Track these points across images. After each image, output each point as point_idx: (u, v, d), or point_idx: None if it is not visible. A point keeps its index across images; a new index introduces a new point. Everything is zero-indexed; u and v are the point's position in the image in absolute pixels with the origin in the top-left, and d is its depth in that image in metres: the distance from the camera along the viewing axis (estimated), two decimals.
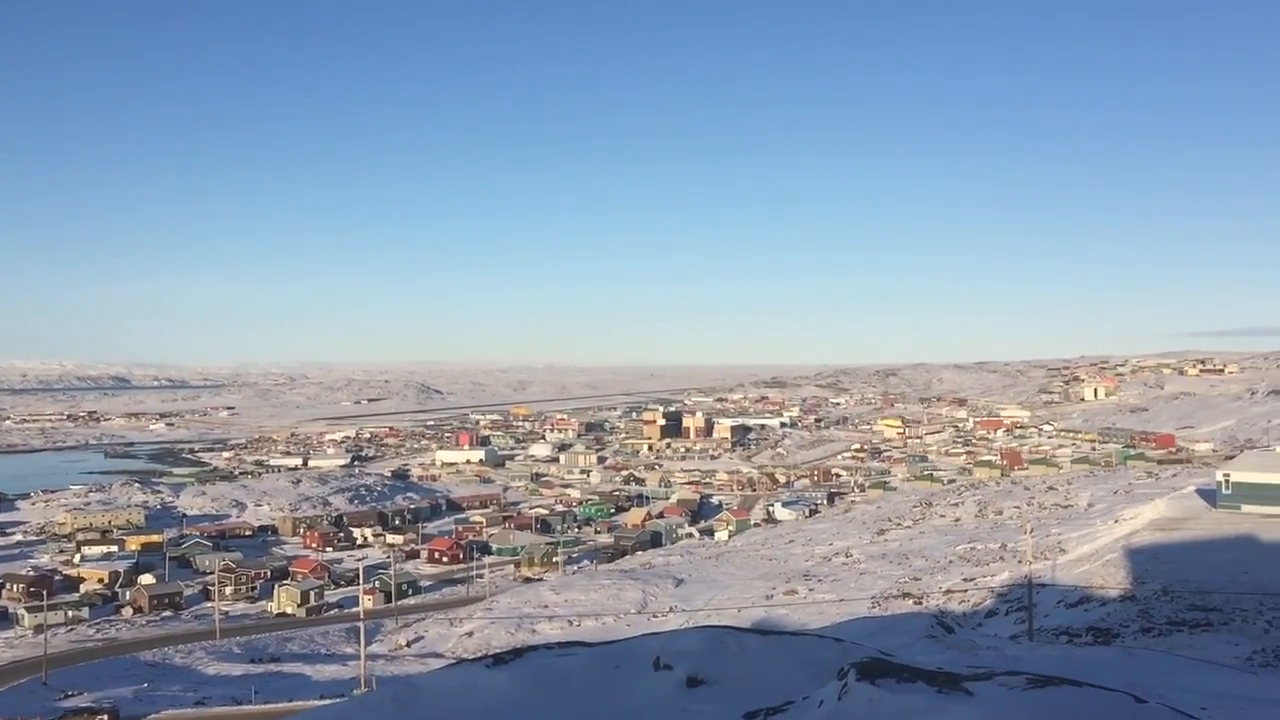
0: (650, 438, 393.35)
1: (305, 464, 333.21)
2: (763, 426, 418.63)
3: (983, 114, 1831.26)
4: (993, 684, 16.10)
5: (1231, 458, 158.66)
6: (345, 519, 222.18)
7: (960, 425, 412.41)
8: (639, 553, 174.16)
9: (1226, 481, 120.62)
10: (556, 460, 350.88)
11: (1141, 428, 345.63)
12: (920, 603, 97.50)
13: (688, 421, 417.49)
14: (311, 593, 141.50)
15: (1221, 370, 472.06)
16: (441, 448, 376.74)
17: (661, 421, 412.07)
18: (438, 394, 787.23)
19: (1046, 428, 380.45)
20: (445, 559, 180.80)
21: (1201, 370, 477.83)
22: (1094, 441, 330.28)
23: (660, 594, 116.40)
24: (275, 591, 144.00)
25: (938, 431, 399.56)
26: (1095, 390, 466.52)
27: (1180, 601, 79.59)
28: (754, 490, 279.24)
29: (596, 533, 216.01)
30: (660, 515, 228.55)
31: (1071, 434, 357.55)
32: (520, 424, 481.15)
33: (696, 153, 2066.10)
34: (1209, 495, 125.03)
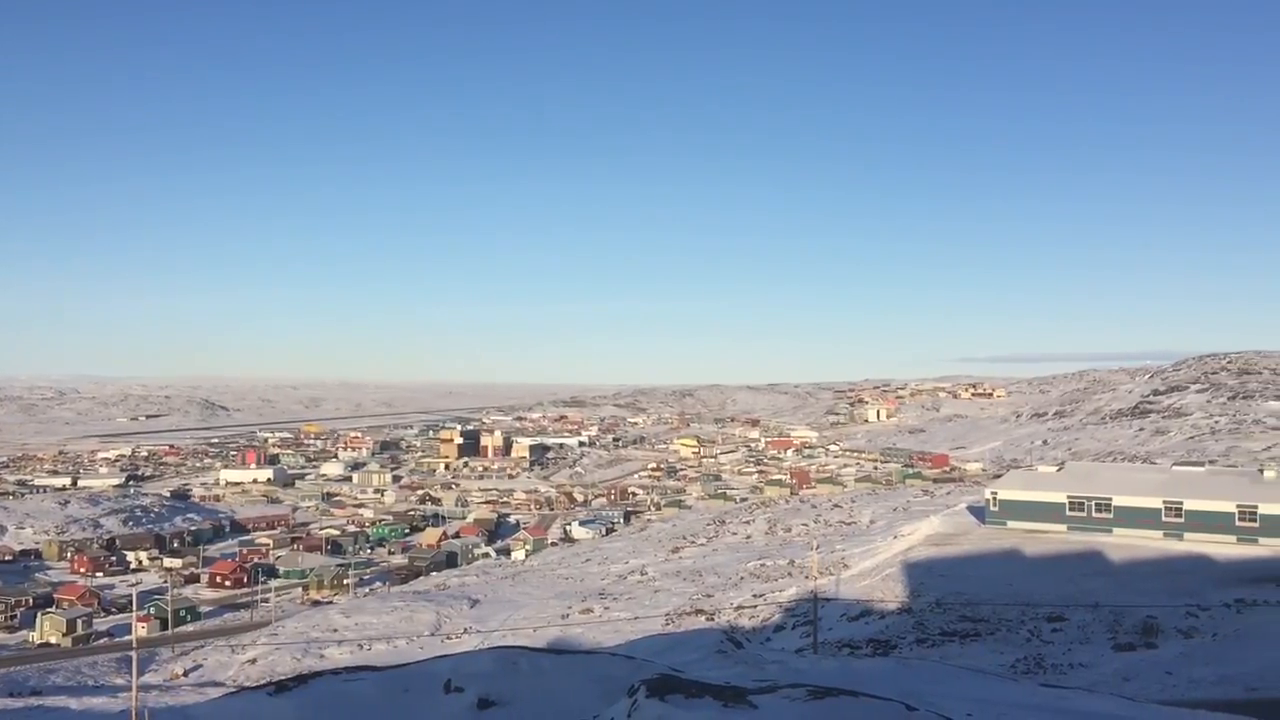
0: (447, 456, 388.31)
1: (74, 484, 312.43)
2: (561, 446, 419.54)
3: (766, 141, 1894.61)
4: (776, 697, 16.58)
5: (998, 476, 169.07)
6: (119, 542, 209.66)
7: (753, 445, 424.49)
8: (434, 573, 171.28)
9: (994, 499, 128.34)
10: (349, 479, 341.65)
11: (919, 448, 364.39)
12: (712, 619, 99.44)
13: (486, 440, 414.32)
14: (79, 621, 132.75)
15: (991, 394, 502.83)
16: (226, 467, 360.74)
17: (459, 440, 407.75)
18: (223, 411, 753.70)
19: (833, 448, 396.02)
20: (228, 583, 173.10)
21: (973, 394, 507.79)
22: (876, 461, 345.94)
23: (455, 615, 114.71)
24: (38, 620, 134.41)
25: (731, 451, 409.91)
26: (878, 412, 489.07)
27: (952, 613, 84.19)
28: (551, 509, 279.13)
29: (390, 554, 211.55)
30: (456, 535, 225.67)
31: (856, 454, 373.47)
32: (312, 442, 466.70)
33: (490, 168, 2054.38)
34: (979, 512, 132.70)
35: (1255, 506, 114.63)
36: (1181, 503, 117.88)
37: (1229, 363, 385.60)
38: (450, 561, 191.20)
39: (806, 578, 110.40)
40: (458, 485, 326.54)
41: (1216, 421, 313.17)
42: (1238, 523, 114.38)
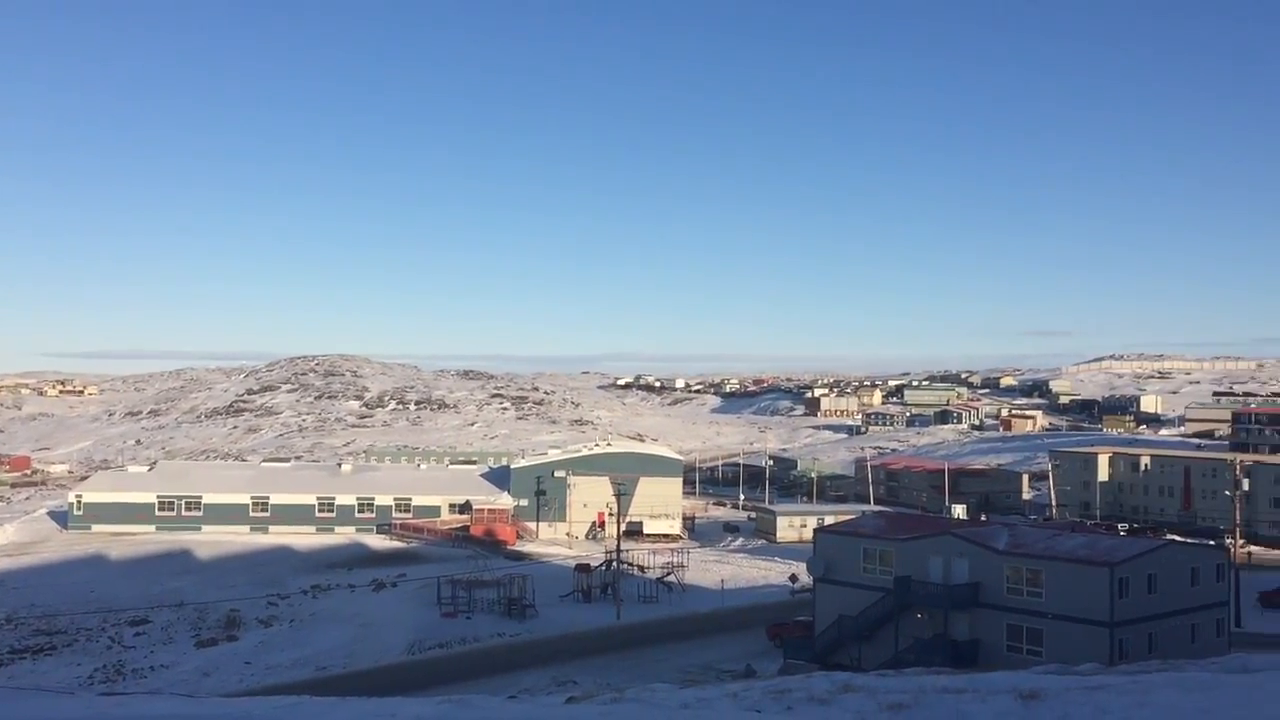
0: None
1: None
2: None
3: None
4: None
5: (86, 479, 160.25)
6: None
7: None
8: None
9: (79, 502, 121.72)
10: None
11: None
12: None
13: None
14: None
15: (82, 392, 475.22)
16: None
17: None
18: None
19: None
20: None
21: (62, 391, 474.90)
22: None
23: None
24: None
25: None
26: None
27: (26, 628, 77.66)
28: None
29: None
30: None
31: None
32: None
33: None
34: (61, 517, 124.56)
35: (333, 498, 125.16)
36: (269, 497, 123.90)
37: (317, 365, 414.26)
38: None
39: None
40: None
41: (304, 419, 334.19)
42: (318, 514, 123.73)
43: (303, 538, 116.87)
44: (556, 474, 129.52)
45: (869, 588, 59.02)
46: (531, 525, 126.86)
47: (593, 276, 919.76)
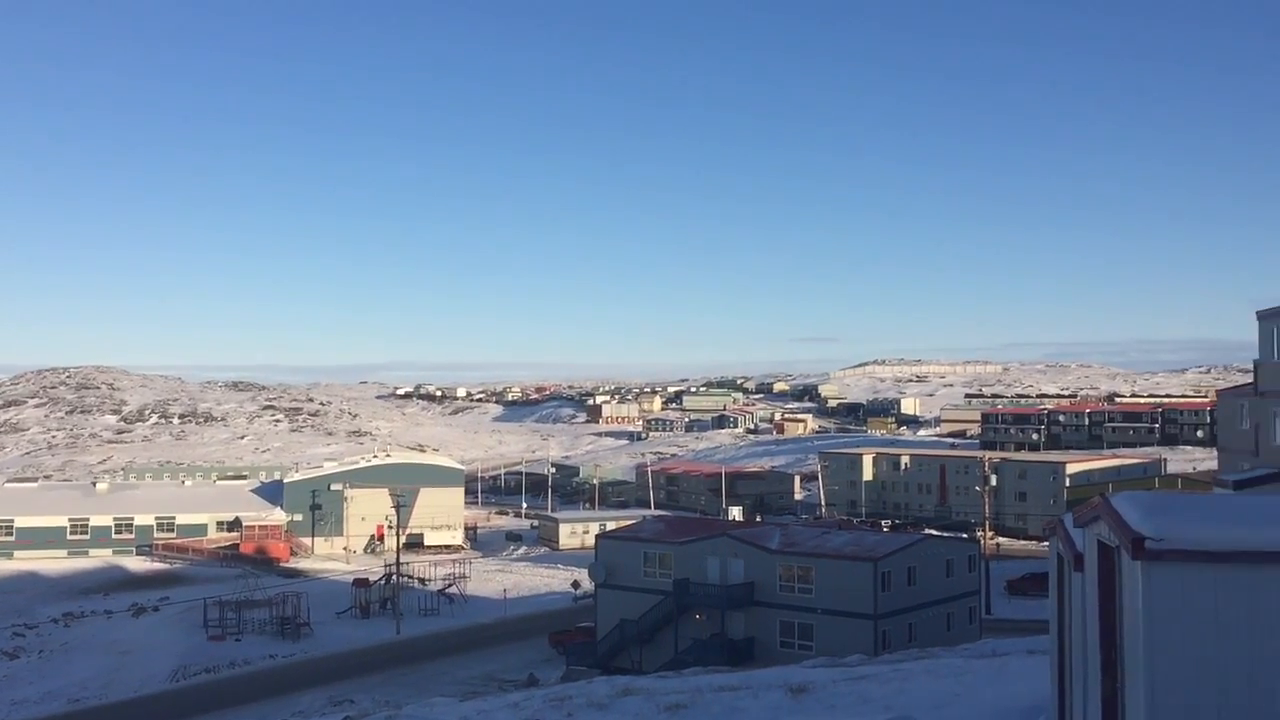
0: None
1: None
2: None
3: None
4: None
5: None
6: None
7: None
8: None
9: None
10: None
11: None
12: None
13: None
14: None
15: None
16: None
17: None
18: None
19: None
20: None
21: None
22: None
23: None
24: None
25: None
26: None
27: None
28: None
29: None
30: None
31: None
32: None
33: None
34: None
35: (87, 519, 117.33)
36: (13, 520, 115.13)
37: (68, 377, 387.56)
38: None
39: None
40: None
41: (54, 436, 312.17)
42: (69, 536, 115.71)
43: (53, 562, 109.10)
44: (333, 487, 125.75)
45: (650, 591, 60.05)
46: (307, 541, 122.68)
47: (370, 282, 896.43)
